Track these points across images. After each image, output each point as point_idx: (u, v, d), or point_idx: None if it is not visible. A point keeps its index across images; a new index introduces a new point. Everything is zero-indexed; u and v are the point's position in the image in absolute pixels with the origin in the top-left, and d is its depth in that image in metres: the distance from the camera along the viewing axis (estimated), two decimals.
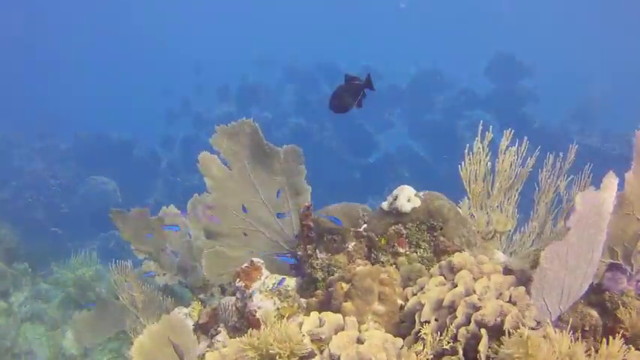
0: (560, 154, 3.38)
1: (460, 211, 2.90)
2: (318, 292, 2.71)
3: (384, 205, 2.84)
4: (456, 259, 2.13)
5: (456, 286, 2.01)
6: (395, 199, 2.77)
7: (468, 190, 3.20)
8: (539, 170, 3.41)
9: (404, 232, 2.73)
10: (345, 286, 2.18)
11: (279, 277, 2.66)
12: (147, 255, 4.09)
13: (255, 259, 2.75)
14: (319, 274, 2.79)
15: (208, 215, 3.39)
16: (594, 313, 2.35)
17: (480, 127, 3.13)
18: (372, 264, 2.78)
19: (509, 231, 3.36)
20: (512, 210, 3.43)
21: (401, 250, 2.74)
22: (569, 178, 3.42)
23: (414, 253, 2.67)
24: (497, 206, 3.33)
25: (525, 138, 3.27)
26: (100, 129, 18.79)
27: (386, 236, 2.74)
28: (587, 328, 2.32)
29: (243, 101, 19.58)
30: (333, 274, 2.75)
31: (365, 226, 2.87)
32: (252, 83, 20.67)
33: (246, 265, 2.74)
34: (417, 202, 2.74)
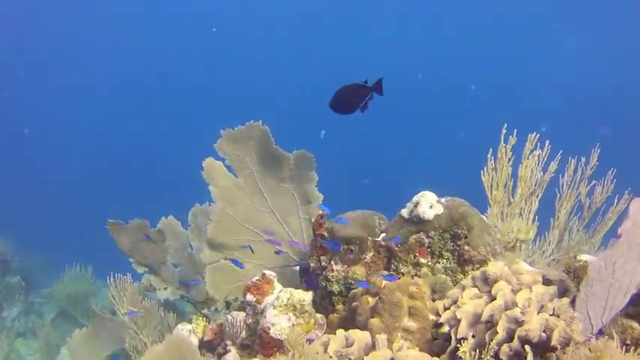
0: (583, 159, 3.22)
1: (484, 218, 2.73)
2: (339, 306, 2.53)
3: (404, 212, 2.66)
4: (492, 269, 1.95)
5: (494, 298, 1.83)
6: (416, 206, 2.60)
7: (489, 196, 3.03)
8: (560, 175, 3.25)
9: (426, 241, 2.56)
10: (372, 301, 2.00)
11: (295, 291, 2.47)
12: (147, 269, 3.90)
13: (267, 272, 2.57)
14: (335, 287, 2.61)
15: (211, 226, 3.21)
16: (636, 325, 2.17)
17: (504, 131, 2.97)
18: None
19: (531, 239, 3.19)
20: (532, 217, 3.27)
21: (423, 260, 2.57)
22: (591, 184, 3.27)
23: (438, 264, 2.50)
24: (519, 213, 3.16)
25: (547, 142, 3.11)
26: None
27: (406, 246, 2.57)
28: (628, 342, 2.14)
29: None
30: (350, 287, 2.57)
31: (383, 235, 2.69)
32: None
33: (257, 278, 2.55)
34: (439, 209, 2.56)
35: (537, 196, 3.22)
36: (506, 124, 2.97)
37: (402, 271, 2.57)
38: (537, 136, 3.04)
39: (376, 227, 2.79)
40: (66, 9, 24.94)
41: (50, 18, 25.27)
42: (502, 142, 2.96)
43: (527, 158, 2.98)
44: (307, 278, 3.16)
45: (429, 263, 2.57)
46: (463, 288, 2.00)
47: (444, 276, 2.34)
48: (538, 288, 1.84)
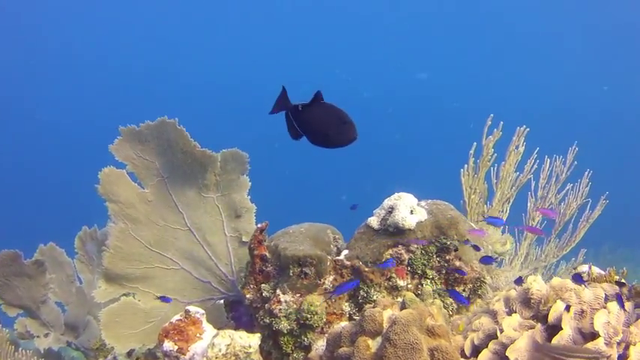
0: (560, 157, 2.76)
1: (473, 225, 2.16)
2: (290, 350, 1.86)
3: (372, 221, 2.04)
4: (535, 286, 1.36)
5: (555, 326, 1.24)
6: (390, 212, 1.98)
7: (466, 201, 2.48)
8: (532, 180, 2.77)
9: (405, 257, 1.95)
10: (373, 344, 1.34)
11: (237, 334, 1.77)
12: (21, 310, 3.01)
13: (192, 309, 1.85)
14: (284, 325, 1.93)
15: (109, 253, 2.44)
16: None
17: (489, 122, 2.44)
18: (361, 305, 1.96)
19: (508, 252, 2.67)
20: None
21: (401, 282, 1.95)
22: (565, 189, 2.82)
23: (428, 286, 1.89)
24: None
25: (523, 142, 2.62)
26: None
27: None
28: None
29: None
30: (305, 324, 1.91)
31: (346, 252, 2.05)
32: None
33: (178, 318, 1.83)
34: (422, 215, 1.96)
35: (509, 202, 2.70)
36: (492, 115, 2.45)
37: (374, 298, 1.94)
38: (526, 130, 2.55)
39: (331, 243, 2.15)
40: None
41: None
42: (484, 135, 2.44)
43: (514, 150, 2.46)
44: (237, 314, 2.46)
45: (409, 286, 1.96)
46: (494, 315, 1.39)
47: (439, 301, 1.72)
48: (613, 307, 1.26)
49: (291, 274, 1.97)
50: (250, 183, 2.45)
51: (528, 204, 2.81)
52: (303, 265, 1.96)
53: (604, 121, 20.38)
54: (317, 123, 1.44)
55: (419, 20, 23.91)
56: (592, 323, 1.23)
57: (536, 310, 1.34)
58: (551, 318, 1.26)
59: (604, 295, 1.34)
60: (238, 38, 25.97)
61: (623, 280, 1.87)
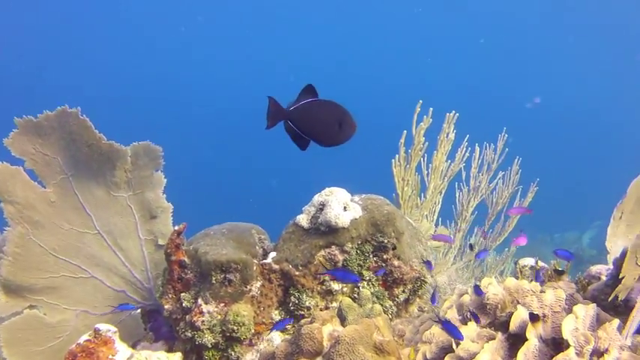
0: (490, 145, 2.68)
1: (410, 220, 2.02)
2: None
3: (302, 219, 1.86)
4: (491, 290, 1.22)
5: (519, 336, 1.11)
6: (321, 209, 1.82)
7: (400, 192, 2.34)
8: (462, 169, 2.68)
9: (340, 258, 1.79)
10: None
11: (155, 354, 1.56)
12: None
13: (102, 327, 1.62)
14: (208, 338, 1.74)
15: (7, 261, 2.17)
16: None
17: (418, 109, 2.30)
18: (292, 313, 1.79)
19: (444, 246, 2.56)
20: (436, 218, 2.65)
21: (335, 286, 1.79)
22: (498, 177, 2.74)
23: (365, 289, 1.74)
24: (428, 214, 2.52)
25: (453, 129, 2.50)
26: None
27: (312, 267, 1.78)
28: None
29: None
30: (232, 337, 1.72)
31: (274, 254, 1.87)
32: None
33: (86, 338, 1.60)
34: (356, 212, 1.80)
35: (441, 193, 2.60)
36: (420, 101, 2.31)
37: (307, 304, 1.77)
38: (455, 116, 2.43)
39: (256, 245, 1.97)
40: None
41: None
42: (414, 124, 2.30)
43: (445, 138, 2.34)
44: (156, 324, 2.24)
45: (345, 289, 1.80)
46: (459, 323, 1.24)
47: (379, 306, 1.57)
48: (579, 311, 1.14)
49: (214, 282, 1.78)
50: (166, 179, 2.23)
51: (458, 194, 2.72)
52: (226, 271, 1.77)
53: (535, 109, 20.92)
54: (322, 121, 1.24)
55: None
56: (555, 328, 1.10)
57: (492, 317, 1.21)
58: (513, 326, 1.12)
59: (565, 297, 1.22)
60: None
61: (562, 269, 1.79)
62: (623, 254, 1.68)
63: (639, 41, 20.91)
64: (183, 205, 2.38)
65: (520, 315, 1.13)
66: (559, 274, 1.89)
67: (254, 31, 24.35)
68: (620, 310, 1.72)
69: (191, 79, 23.46)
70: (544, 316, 1.15)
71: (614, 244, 2.28)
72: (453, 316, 1.24)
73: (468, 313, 1.22)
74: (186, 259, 1.89)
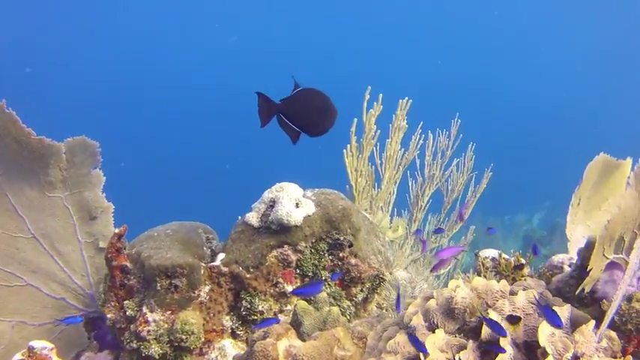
0: (444, 131, 2.62)
1: (367, 214, 1.93)
2: None
3: (251, 217, 1.75)
4: (459, 293, 1.13)
5: (492, 342, 1.02)
6: (272, 206, 1.71)
7: (353, 185, 2.25)
8: (416, 157, 2.61)
9: (293, 258, 1.68)
10: None
11: None
12: None
13: (37, 345, 1.48)
14: (155, 349, 1.62)
15: None
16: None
17: (367, 95, 2.20)
18: (245, 318, 1.69)
19: (401, 238, 2.49)
20: (391, 209, 2.58)
21: (289, 287, 1.68)
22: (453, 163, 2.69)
23: (322, 291, 1.64)
24: (383, 205, 2.43)
25: (405, 116, 2.42)
26: None
27: (264, 268, 1.67)
28: None
29: None
30: (181, 346, 1.60)
31: (222, 256, 1.75)
32: None
33: (19, 358, 1.46)
34: (309, 208, 1.70)
35: (396, 183, 2.52)
36: (369, 87, 2.22)
37: (260, 308, 1.67)
38: (409, 103, 2.34)
39: (204, 245, 1.85)
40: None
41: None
42: (364, 111, 2.21)
43: (398, 126, 2.25)
44: (100, 332, 2.10)
45: None
46: (413, 331, 1.15)
47: (336, 309, 1.48)
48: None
49: (159, 288, 1.65)
50: (105, 177, 2.08)
51: (412, 183, 2.65)
52: (172, 277, 1.65)
53: (487, 95, 21.09)
54: (312, 111, 1.17)
55: None
56: (528, 332, 1.03)
57: (462, 322, 1.13)
58: (485, 334, 1.04)
59: (536, 296, 1.14)
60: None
61: (523, 261, 1.73)
62: (588, 245, 1.63)
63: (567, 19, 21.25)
64: (126, 203, 2.23)
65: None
66: (519, 268, 1.83)
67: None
68: (587, 302, 1.68)
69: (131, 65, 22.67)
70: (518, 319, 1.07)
71: (574, 231, 2.25)
72: (419, 322, 1.15)
73: (435, 319, 1.13)
74: (128, 264, 1.76)
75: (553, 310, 1.02)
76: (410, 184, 2.66)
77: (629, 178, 1.56)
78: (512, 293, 1.17)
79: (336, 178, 2.24)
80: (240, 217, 1.85)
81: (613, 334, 1.12)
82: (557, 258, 2.02)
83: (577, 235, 2.21)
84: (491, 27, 22.39)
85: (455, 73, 21.88)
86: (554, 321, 0.99)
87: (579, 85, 20.44)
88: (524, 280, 1.38)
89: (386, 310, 1.86)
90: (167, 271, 1.64)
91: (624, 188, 2.20)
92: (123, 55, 21.88)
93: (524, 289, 1.15)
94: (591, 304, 1.71)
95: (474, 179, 2.72)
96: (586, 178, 2.21)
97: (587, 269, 1.35)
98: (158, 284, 1.65)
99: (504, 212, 9.64)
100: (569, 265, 1.97)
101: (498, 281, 1.20)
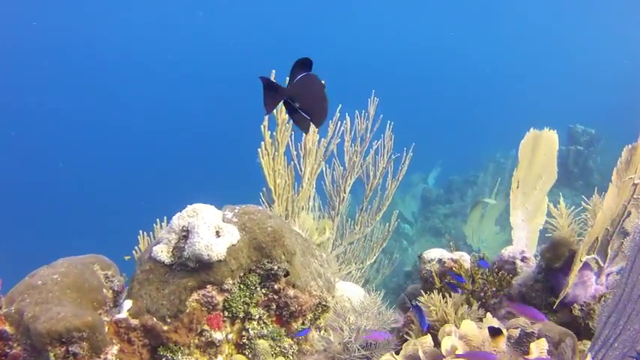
0: (364, 112, 2.37)
1: (299, 231, 1.64)
2: None
3: (160, 252, 1.41)
4: (447, 343, 0.88)
5: None
6: (186, 237, 1.38)
7: (272, 189, 1.94)
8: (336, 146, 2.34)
9: (219, 299, 1.37)
10: None
11: None
12: None
13: None
14: None
15: None
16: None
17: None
18: None
19: (328, 240, 2.23)
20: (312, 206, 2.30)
21: (217, 335, 1.37)
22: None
23: (262, 340, 1.34)
24: (304, 203, 2.15)
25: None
26: None
27: (185, 316, 1.35)
28: None
29: None
30: None
31: (129, 304, 1.41)
32: None
33: None
34: (233, 235, 1.38)
35: (316, 175, 2.25)
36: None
37: None
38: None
39: (103, 287, 1.50)
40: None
41: None
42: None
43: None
44: None
45: (230, 336, 1.40)
46: None
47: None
48: None
49: (53, 358, 1.29)
50: None
51: (331, 174, 2.38)
52: (68, 343, 1.29)
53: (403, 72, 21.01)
54: (316, 97, 1.04)
55: None
56: None
57: None
58: None
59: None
60: None
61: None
62: (553, 245, 1.51)
63: None
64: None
65: None
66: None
67: None
68: (557, 308, 1.51)
69: None
70: None
71: (516, 217, 2.09)
72: None
73: None
74: (7, 328, 1.38)
75: None
76: (328, 175, 2.38)
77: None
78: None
79: (251, 181, 1.93)
80: (138, 249, 1.51)
81: None
82: (506, 252, 1.85)
83: (518, 220, 2.05)
84: None
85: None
86: None
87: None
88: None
89: (324, 332, 1.59)
90: (61, 337, 1.29)
91: (555, 162, 2.08)
92: None
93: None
94: (560, 310, 1.55)
95: (392, 163, 2.50)
96: (521, 158, 2.06)
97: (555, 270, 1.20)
98: (51, 354, 1.29)
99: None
100: (522, 260, 1.81)
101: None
